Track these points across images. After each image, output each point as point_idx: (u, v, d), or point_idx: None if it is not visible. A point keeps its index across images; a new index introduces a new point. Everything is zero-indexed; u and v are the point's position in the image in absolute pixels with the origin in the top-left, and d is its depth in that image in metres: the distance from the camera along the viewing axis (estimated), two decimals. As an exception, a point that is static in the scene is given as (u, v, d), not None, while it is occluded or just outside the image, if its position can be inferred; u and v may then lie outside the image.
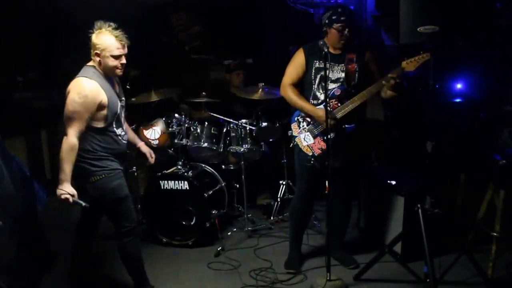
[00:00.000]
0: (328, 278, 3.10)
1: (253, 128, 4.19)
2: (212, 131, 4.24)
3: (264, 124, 4.16)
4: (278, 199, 4.55)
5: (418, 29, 2.84)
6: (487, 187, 3.36)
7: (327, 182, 3.03)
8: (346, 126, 3.21)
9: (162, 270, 3.63)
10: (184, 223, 3.99)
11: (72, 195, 2.72)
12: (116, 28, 2.81)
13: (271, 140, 4.35)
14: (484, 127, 3.98)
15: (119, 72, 2.89)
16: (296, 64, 3.34)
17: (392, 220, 3.67)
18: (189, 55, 5.81)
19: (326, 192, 3.05)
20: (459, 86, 4.46)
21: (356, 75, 3.22)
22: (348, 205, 3.60)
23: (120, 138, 2.97)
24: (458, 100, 4.39)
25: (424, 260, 2.98)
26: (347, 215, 3.62)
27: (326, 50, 2.97)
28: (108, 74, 2.88)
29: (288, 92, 3.32)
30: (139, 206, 4.29)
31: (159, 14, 5.57)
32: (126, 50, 2.86)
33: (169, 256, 3.87)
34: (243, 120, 4.23)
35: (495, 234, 3.21)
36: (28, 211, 3.15)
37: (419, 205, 3.08)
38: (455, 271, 3.30)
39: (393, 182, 3.67)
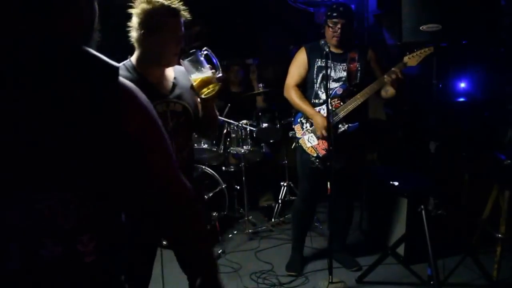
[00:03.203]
0: (330, 281, 3.07)
1: (254, 129, 4.15)
2: (212, 132, 4.21)
3: (265, 125, 4.13)
4: (279, 201, 4.51)
5: (421, 27, 2.80)
6: (491, 188, 3.33)
7: (329, 183, 2.99)
8: (350, 125, 3.18)
9: (162, 272, 3.59)
10: (184, 225, 3.95)
11: None
12: None
13: (271, 141, 4.32)
14: (488, 127, 3.94)
15: None
16: (298, 64, 3.32)
17: (395, 221, 3.62)
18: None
19: (329, 193, 3.02)
20: (462, 85, 4.43)
21: (358, 74, 3.20)
22: (350, 206, 3.56)
23: None
24: (461, 99, 4.36)
25: (427, 262, 2.94)
26: (349, 217, 3.58)
27: (327, 49, 2.95)
28: None
29: (292, 94, 3.30)
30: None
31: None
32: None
33: (169, 258, 3.80)
34: (244, 121, 4.20)
35: (500, 235, 3.16)
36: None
37: (422, 206, 3.03)
38: (459, 273, 3.25)
39: (396, 183, 3.63)
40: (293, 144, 3.43)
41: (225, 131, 4.24)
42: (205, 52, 2.11)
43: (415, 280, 3.26)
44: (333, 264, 3.11)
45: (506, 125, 3.71)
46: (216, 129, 2.50)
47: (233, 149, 4.22)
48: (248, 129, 4.16)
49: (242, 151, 4.15)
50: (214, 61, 2.14)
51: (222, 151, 4.21)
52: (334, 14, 3.13)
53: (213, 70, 2.08)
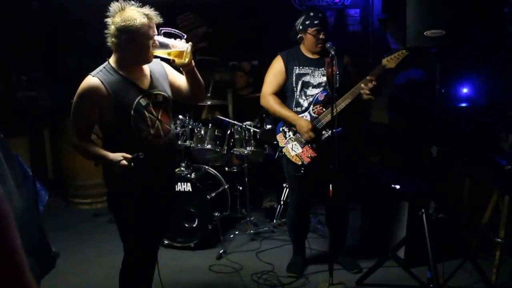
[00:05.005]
0: (330, 282, 3.08)
1: (257, 130, 4.18)
2: (216, 133, 4.23)
3: (268, 126, 4.15)
4: (281, 202, 4.52)
5: (425, 33, 2.82)
6: (492, 193, 3.34)
7: (331, 185, 3.00)
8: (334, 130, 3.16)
9: (163, 272, 3.60)
10: (186, 225, 3.98)
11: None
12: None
13: (275, 142, 4.33)
14: (490, 132, 3.95)
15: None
16: (276, 72, 3.29)
17: (395, 224, 3.64)
18: (194, 56, 5.81)
19: (330, 195, 3.02)
20: (465, 90, 4.45)
21: (337, 78, 3.19)
22: (345, 209, 3.53)
23: None
24: (463, 104, 4.37)
25: (427, 265, 2.96)
26: (343, 219, 3.57)
27: (332, 52, 2.94)
28: None
29: (270, 101, 3.26)
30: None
31: (165, 15, 5.58)
32: None
33: (170, 258, 3.85)
34: (247, 122, 4.23)
35: (499, 240, 3.18)
36: (28, 210, 3.14)
37: (423, 210, 3.05)
38: (458, 277, 3.26)
39: (397, 187, 3.65)
40: (277, 154, 3.41)
41: (228, 132, 4.27)
42: (163, 31, 2.38)
43: (415, 283, 3.27)
44: (333, 266, 3.13)
45: (507, 130, 3.73)
46: (204, 91, 2.71)
47: (236, 150, 4.25)
48: (251, 130, 4.19)
49: (245, 152, 4.17)
50: (174, 31, 2.42)
51: (225, 152, 4.24)
52: (316, 22, 3.13)
53: (178, 40, 2.39)
